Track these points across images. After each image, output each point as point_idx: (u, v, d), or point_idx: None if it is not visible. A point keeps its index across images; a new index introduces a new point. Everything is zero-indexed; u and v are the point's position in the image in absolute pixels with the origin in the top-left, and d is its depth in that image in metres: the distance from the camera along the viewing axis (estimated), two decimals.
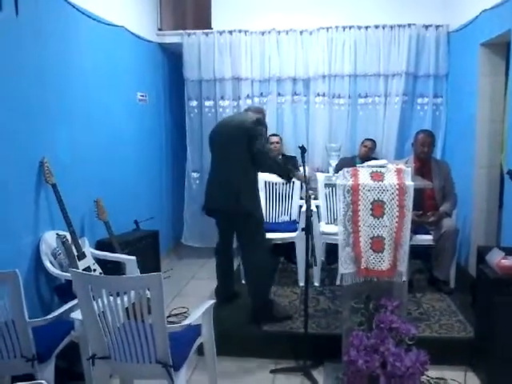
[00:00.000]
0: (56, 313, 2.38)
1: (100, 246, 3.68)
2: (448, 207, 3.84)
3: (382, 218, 2.54)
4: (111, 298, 2.07)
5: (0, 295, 2.12)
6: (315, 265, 2.86)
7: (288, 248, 4.38)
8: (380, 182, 2.55)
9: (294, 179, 3.59)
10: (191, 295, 4.17)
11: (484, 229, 4.12)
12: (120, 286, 2.11)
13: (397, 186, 2.53)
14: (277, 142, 4.86)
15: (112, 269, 3.39)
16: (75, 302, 2.42)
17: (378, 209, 2.54)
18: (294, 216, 4.41)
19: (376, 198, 2.54)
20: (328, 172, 4.75)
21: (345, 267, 2.60)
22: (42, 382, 1.17)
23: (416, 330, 2.48)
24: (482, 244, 3.83)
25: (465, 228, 4.27)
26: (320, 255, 3.92)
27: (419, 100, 4.92)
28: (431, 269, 3.88)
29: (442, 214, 3.78)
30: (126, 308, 2.11)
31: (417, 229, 3.67)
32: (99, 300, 2.08)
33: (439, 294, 3.69)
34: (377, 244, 2.54)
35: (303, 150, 3.05)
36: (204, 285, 4.22)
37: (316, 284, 3.88)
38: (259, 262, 3.28)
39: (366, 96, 4.94)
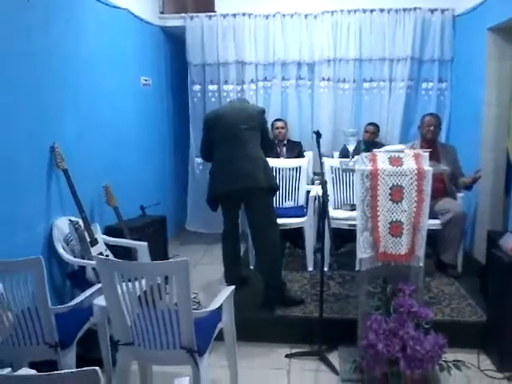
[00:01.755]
0: (78, 299, 2.37)
1: (109, 231, 3.66)
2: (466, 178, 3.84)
3: (401, 202, 2.55)
4: (136, 284, 2.06)
5: (23, 282, 2.10)
6: (335, 249, 2.88)
7: (294, 233, 4.37)
8: (399, 167, 2.56)
9: None
10: (198, 280, 4.15)
11: (489, 213, 4.15)
12: (145, 271, 2.09)
13: (415, 171, 2.54)
14: (282, 128, 4.83)
15: (123, 255, 3.38)
16: (96, 288, 2.41)
17: (396, 194, 2.55)
18: (302, 201, 4.39)
19: (395, 183, 2.55)
20: (332, 157, 4.77)
21: (363, 251, 2.61)
22: (96, 368, 1.15)
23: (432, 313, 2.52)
24: (487, 228, 3.86)
25: (469, 213, 4.29)
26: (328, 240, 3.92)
27: (424, 85, 4.89)
28: (438, 253, 3.90)
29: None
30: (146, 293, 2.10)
31: None
32: (124, 286, 2.07)
33: (447, 278, 3.73)
34: (395, 229, 2.56)
35: (318, 134, 3.04)
36: (210, 270, 4.23)
37: (325, 269, 3.87)
38: (275, 240, 3.31)
39: (371, 80, 4.91)
